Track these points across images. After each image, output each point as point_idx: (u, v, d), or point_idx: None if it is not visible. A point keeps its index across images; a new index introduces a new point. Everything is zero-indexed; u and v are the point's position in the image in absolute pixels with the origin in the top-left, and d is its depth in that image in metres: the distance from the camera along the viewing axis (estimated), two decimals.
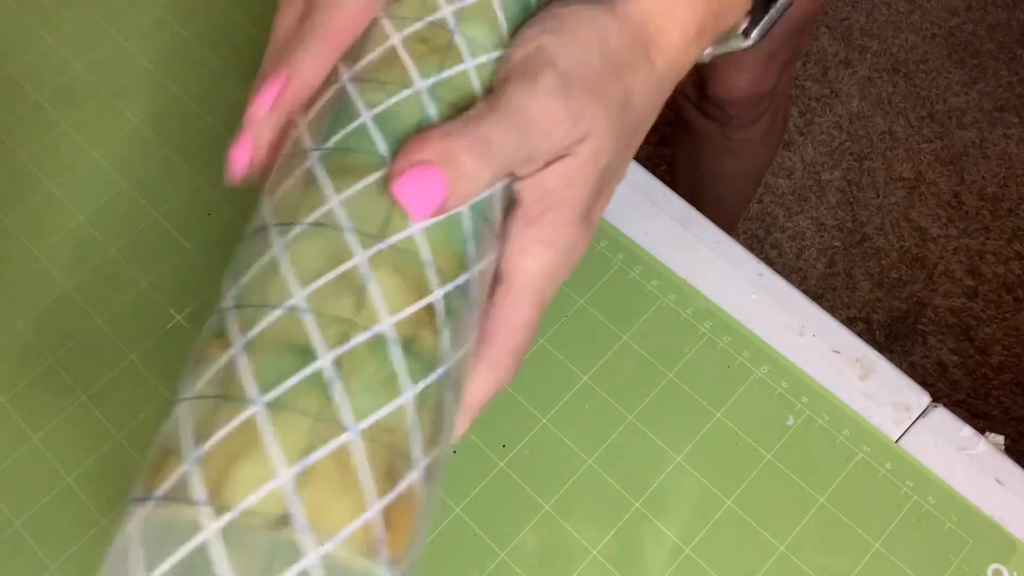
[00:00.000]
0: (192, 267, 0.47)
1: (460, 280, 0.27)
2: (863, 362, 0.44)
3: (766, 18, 0.34)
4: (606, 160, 0.29)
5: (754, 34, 0.34)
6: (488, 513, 0.41)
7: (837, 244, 1.35)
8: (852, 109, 1.44)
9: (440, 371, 0.25)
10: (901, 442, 0.42)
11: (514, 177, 0.28)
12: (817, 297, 1.31)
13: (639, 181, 0.48)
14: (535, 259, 0.28)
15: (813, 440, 0.42)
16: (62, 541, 0.41)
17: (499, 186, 0.28)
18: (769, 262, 1.33)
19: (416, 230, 0.26)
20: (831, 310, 1.06)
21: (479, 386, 0.29)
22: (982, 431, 0.43)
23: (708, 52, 0.35)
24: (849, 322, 1.29)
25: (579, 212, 0.29)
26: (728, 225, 1.14)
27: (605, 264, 0.46)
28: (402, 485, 0.24)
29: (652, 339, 0.45)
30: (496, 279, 0.29)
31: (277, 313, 0.24)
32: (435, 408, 0.25)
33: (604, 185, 0.30)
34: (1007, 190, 1.38)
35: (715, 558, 0.40)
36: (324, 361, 0.23)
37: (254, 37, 0.53)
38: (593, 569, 0.40)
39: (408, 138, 0.26)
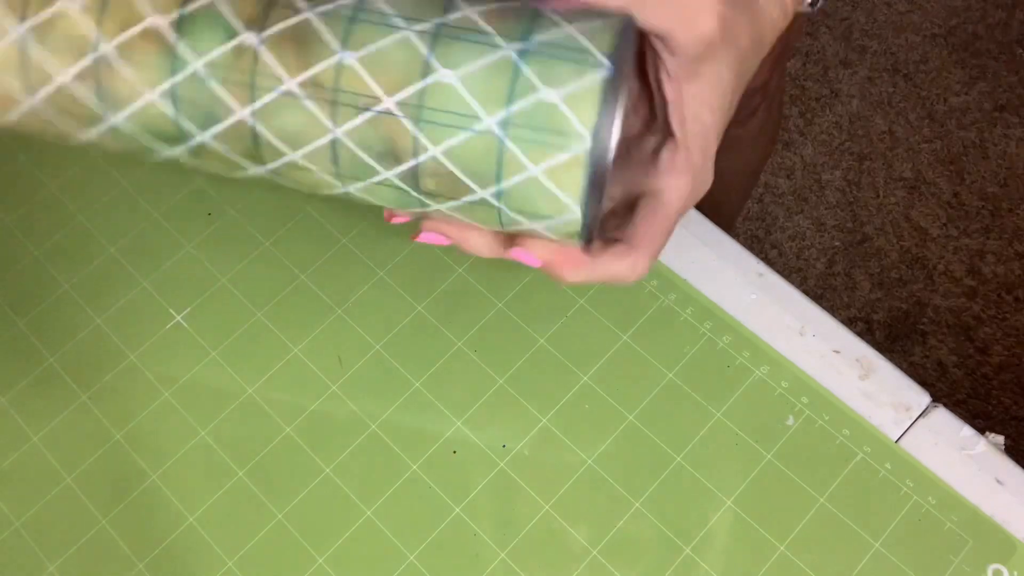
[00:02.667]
0: (192, 267, 0.47)
1: None
2: (863, 362, 0.44)
3: None
4: (728, 94, 0.31)
5: (820, 2, 0.37)
6: (488, 513, 0.41)
7: (837, 244, 1.35)
8: (852, 109, 1.44)
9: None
10: (901, 442, 0.42)
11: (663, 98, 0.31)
12: (817, 297, 1.31)
13: None
14: (684, 180, 0.32)
15: (813, 440, 0.42)
16: (62, 541, 0.41)
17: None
18: (769, 262, 1.33)
19: None
20: (831, 310, 1.06)
21: (619, 267, 0.33)
22: (982, 431, 0.42)
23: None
24: (849, 322, 1.29)
25: (711, 139, 0.32)
26: (727, 223, 1.14)
27: None
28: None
29: (652, 339, 0.45)
30: (646, 194, 0.33)
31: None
32: None
33: (726, 116, 0.33)
34: (1007, 190, 1.38)
35: (715, 558, 0.40)
36: None
37: None
38: (593, 569, 0.40)
39: None
